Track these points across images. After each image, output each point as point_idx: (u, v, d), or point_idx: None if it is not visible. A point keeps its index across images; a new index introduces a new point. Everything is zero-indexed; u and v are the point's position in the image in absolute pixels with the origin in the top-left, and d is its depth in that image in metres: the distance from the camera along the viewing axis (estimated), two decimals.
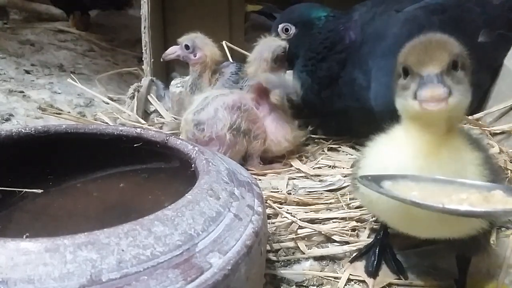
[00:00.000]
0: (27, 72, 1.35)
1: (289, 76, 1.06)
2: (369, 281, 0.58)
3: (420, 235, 0.53)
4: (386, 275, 0.60)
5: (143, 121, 1.04)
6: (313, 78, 0.95)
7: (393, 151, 0.49)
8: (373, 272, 0.59)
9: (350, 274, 0.60)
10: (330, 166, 0.88)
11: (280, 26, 1.00)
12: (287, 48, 0.96)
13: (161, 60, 1.03)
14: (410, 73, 0.46)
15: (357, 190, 0.56)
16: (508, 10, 0.96)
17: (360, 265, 0.61)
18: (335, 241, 0.66)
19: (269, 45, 0.94)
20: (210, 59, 0.97)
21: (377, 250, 0.61)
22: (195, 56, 0.98)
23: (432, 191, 0.43)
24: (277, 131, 0.88)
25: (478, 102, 0.97)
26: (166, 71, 1.27)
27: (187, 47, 0.98)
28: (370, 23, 0.91)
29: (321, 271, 0.61)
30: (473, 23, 0.92)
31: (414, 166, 0.46)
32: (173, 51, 0.99)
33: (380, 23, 0.90)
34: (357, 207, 0.71)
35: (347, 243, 0.65)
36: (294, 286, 0.59)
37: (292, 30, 0.99)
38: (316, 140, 1.00)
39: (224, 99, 0.85)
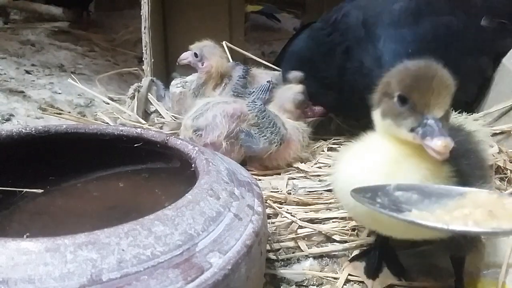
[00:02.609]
0: (28, 72, 1.35)
1: None
2: (369, 282, 0.58)
3: (395, 236, 0.52)
4: (387, 276, 0.59)
5: (143, 121, 1.04)
6: (321, 82, 0.94)
7: (364, 156, 0.50)
8: (373, 274, 0.59)
9: (349, 275, 0.60)
10: (330, 166, 0.88)
11: (290, 76, 0.97)
12: (305, 90, 0.93)
13: (177, 64, 1.04)
14: (409, 106, 0.46)
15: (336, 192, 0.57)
16: (508, 1, 0.96)
17: (360, 265, 0.61)
18: (335, 241, 0.66)
19: (287, 96, 0.92)
20: (215, 70, 0.98)
21: (377, 252, 0.61)
22: (202, 65, 0.98)
23: (431, 204, 0.42)
24: (279, 150, 0.86)
25: (478, 95, 0.97)
26: (166, 71, 1.27)
27: (196, 55, 0.98)
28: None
29: (321, 271, 0.61)
30: (477, 7, 0.93)
31: (381, 171, 0.47)
32: (185, 57, 1.00)
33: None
34: None
35: (347, 242, 0.65)
36: (294, 286, 0.59)
37: (299, 75, 0.96)
38: (316, 140, 1.00)
39: (224, 107, 0.84)
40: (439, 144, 0.43)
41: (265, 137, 0.84)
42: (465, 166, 0.50)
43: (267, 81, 0.95)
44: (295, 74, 0.95)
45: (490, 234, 0.40)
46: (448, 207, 0.41)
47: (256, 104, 0.86)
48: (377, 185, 0.46)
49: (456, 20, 0.89)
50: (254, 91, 0.93)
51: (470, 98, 0.92)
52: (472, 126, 0.60)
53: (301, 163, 0.89)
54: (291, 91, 0.93)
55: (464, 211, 0.39)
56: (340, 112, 1.05)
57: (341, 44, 0.92)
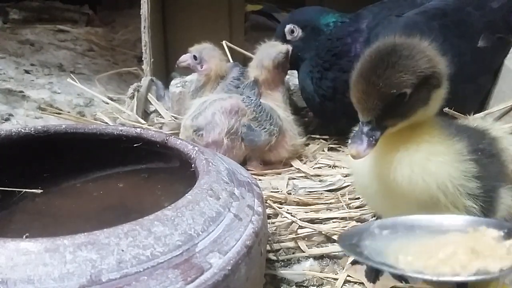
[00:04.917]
0: (27, 72, 1.34)
1: (291, 76, 1.06)
2: (370, 286, 0.58)
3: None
4: (387, 279, 0.59)
5: (143, 121, 1.04)
6: (317, 87, 0.94)
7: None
8: (374, 277, 0.59)
9: (349, 276, 0.59)
10: (330, 166, 0.88)
11: (288, 26, 0.98)
12: (291, 51, 0.95)
13: (176, 66, 1.03)
14: None
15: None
16: (507, 13, 0.95)
17: (361, 267, 0.61)
18: (335, 241, 0.66)
19: (269, 52, 0.93)
20: (214, 73, 0.97)
21: None
22: (201, 68, 0.98)
23: (414, 245, 0.42)
24: (277, 141, 0.87)
25: (480, 104, 0.97)
26: (166, 71, 1.27)
27: (195, 57, 0.98)
28: (374, 31, 0.90)
29: (321, 272, 0.61)
30: (473, 27, 0.92)
31: (373, 165, 0.50)
32: (184, 59, 1.00)
33: (381, 29, 0.89)
34: (357, 207, 0.71)
35: None
36: (294, 287, 0.59)
37: (299, 32, 0.98)
38: (316, 140, 1.00)
39: (221, 104, 0.84)
40: (351, 151, 0.46)
41: (265, 129, 0.85)
42: (488, 167, 0.50)
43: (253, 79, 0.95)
44: (298, 31, 0.96)
45: (478, 281, 0.42)
46: (432, 246, 0.42)
47: (251, 99, 0.87)
48: (361, 227, 0.48)
49: (450, 48, 0.87)
50: (243, 91, 0.93)
51: (470, 113, 0.92)
52: (498, 132, 0.60)
53: (302, 163, 0.89)
54: (274, 49, 0.93)
55: (447, 251, 0.40)
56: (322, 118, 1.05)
57: (345, 69, 0.90)
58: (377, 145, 0.48)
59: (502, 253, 0.40)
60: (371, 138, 0.46)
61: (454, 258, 0.39)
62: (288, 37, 0.99)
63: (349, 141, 0.47)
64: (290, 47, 0.96)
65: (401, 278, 0.59)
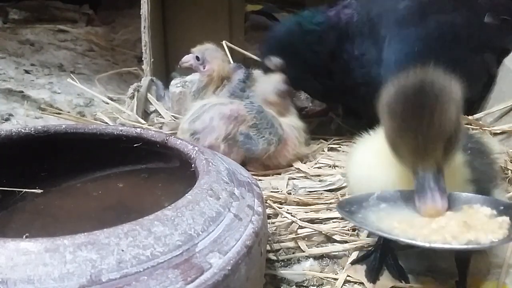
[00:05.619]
0: (27, 72, 1.35)
1: None
2: (369, 285, 0.58)
3: None
4: (387, 278, 0.59)
5: (143, 121, 1.04)
6: (306, 69, 0.93)
7: (371, 159, 0.51)
8: (373, 277, 0.59)
9: (348, 276, 0.59)
10: (330, 166, 0.88)
11: (270, 63, 0.95)
12: (286, 78, 0.93)
13: (178, 66, 1.03)
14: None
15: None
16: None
17: (361, 267, 0.61)
18: (336, 241, 0.66)
19: (268, 88, 0.92)
20: (217, 74, 0.97)
21: (378, 255, 0.60)
22: (204, 68, 0.98)
23: (410, 216, 0.43)
24: (276, 150, 0.86)
25: (483, 94, 0.97)
26: (166, 71, 1.27)
27: (197, 58, 0.98)
28: None
29: (321, 272, 0.61)
30: (479, 3, 0.94)
31: (391, 175, 0.48)
32: (187, 60, 0.99)
33: None
34: None
35: (347, 243, 0.65)
36: (294, 287, 0.59)
37: (279, 61, 0.94)
38: (316, 140, 1.00)
39: (221, 109, 0.84)
40: (427, 210, 0.42)
41: (263, 138, 0.84)
42: (479, 166, 0.50)
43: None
44: (276, 61, 0.94)
45: (469, 249, 0.42)
46: (426, 218, 0.42)
47: (254, 105, 0.87)
48: (362, 196, 0.47)
49: (460, 17, 0.88)
50: (250, 95, 0.92)
51: (475, 97, 0.92)
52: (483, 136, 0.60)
53: (302, 163, 0.89)
54: (272, 82, 0.93)
55: (440, 222, 0.41)
56: (325, 100, 1.05)
57: (335, 32, 0.90)
58: (395, 166, 0.46)
59: (494, 227, 0.41)
60: (441, 189, 0.42)
61: (446, 229, 0.40)
62: (274, 68, 0.95)
63: (417, 200, 0.42)
64: (283, 76, 0.93)
65: (401, 275, 0.59)
